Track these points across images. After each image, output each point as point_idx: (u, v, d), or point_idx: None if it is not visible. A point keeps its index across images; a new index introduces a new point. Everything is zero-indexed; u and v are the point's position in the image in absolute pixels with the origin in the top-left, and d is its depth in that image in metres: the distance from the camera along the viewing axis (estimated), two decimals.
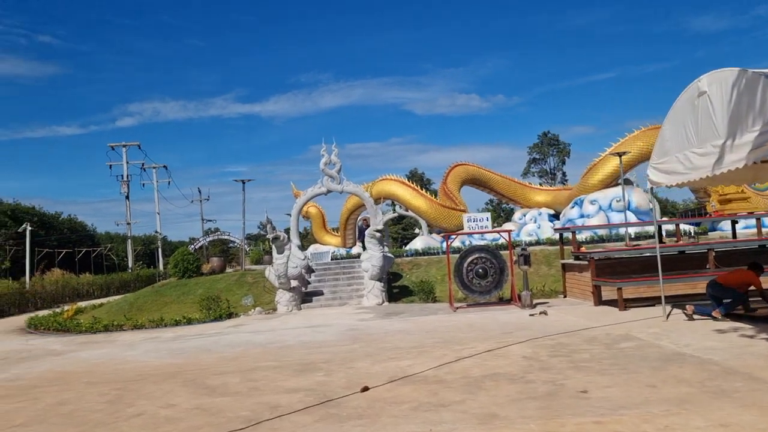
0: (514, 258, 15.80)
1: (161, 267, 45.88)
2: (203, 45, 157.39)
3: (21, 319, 21.86)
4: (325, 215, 34.53)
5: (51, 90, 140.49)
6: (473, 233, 18.96)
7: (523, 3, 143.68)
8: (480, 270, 15.56)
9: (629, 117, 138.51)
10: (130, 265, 47.11)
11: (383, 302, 17.74)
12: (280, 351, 10.82)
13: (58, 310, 22.76)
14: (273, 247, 17.67)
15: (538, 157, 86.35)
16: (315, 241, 35.94)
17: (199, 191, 57.86)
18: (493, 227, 25.17)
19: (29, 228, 34.32)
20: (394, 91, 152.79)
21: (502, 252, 16.49)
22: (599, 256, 14.63)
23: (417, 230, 44.12)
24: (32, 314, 22.28)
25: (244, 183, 24.45)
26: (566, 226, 22.72)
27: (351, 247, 31.37)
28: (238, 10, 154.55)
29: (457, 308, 15.44)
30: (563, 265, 16.73)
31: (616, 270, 14.69)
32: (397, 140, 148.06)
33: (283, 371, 8.83)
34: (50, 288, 31.01)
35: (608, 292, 14.32)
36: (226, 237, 51.39)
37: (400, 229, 64.04)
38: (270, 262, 32.41)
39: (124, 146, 46.54)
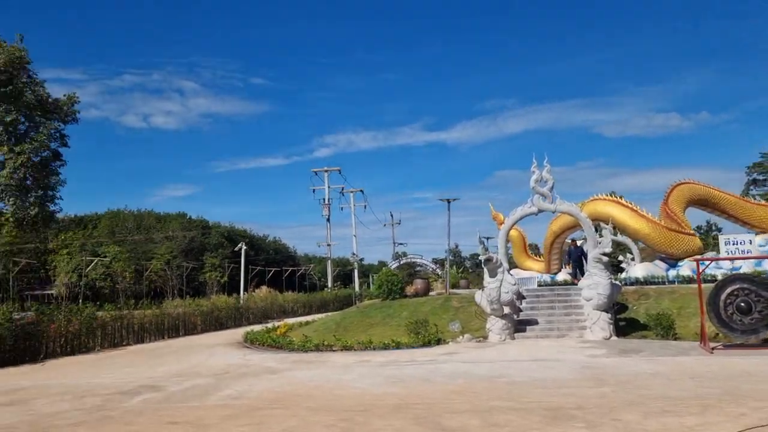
0: None
1: (356, 288, 47.01)
2: (394, 78, 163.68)
3: (237, 333, 22.97)
4: (526, 238, 32.37)
5: (260, 126, 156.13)
6: (727, 259, 15.83)
7: (728, 10, 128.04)
8: (742, 304, 12.72)
9: None
10: (329, 285, 48.98)
11: (611, 336, 15.44)
12: (511, 388, 9.34)
13: (269, 325, 23.64)
14: (485, 270, 16.33)
15: (759, 178, 75.57)
16: (514, 266, 33.95)
17: (391, 215, 59.26)
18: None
19: (244, 247, 37.01)
20: (582, 113, 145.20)
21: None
22: None
23: (621, 257, 40.00)
24: (246, 328, 23.33)
25: (449, 202, 23.57)
26: None
27: (556, 273, 28.92)
28: (427, 43, 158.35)
29: (713, 348, 12.75)
30: None
31: None
32: (585, 164, 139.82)
33: (529, 416, 7.34)
34: (261, 304, 32.93)
35: None
36: (416, 260, 51.40)
37: None
38: (467, 287, 31.22)
39: (326, 171, 48.88)
